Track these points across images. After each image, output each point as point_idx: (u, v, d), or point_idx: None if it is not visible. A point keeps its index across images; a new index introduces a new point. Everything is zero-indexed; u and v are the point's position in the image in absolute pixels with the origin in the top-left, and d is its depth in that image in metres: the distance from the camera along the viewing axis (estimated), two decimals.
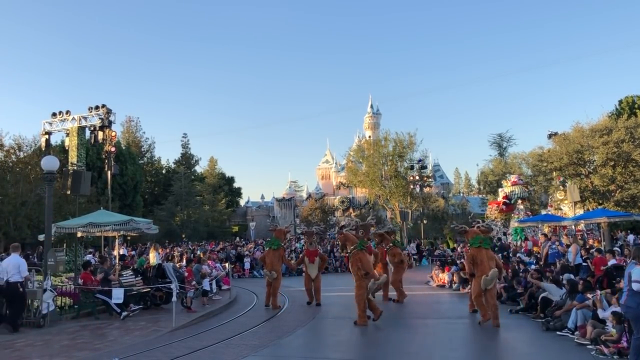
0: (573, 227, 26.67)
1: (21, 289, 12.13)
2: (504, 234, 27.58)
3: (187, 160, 67.82)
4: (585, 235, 24.66)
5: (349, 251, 12.34)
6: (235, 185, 74.51)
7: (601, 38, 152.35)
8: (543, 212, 34.65)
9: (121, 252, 23.25)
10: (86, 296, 14.16)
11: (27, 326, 12.24)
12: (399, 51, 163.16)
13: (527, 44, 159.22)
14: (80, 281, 14.52)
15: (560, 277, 13.63)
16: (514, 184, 29.25)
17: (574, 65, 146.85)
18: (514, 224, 28.56)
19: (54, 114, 21.37)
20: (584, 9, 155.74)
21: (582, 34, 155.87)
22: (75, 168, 19.70)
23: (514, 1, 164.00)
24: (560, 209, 34.82)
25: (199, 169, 70.35)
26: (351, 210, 67.19)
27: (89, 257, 22.53)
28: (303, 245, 32.13)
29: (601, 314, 9.62)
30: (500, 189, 33.84)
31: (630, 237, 24.99)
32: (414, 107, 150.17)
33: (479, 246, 11.92)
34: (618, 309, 9.13)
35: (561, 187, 32.27)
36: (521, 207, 28.23)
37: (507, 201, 28.55)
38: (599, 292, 10.51)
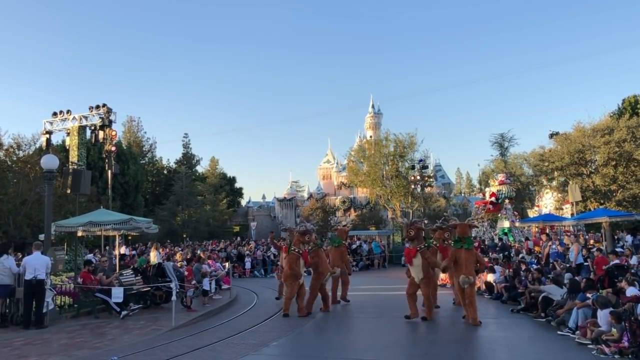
0: (562, 227, 26.61)
1: (46, 286, 12.35)
2: (505, 233, 27.42)
3: (188, 160, 67.82)
4: (573, 235, 24.56)
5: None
6: (237, 185, 74.53)
7: (603, 37, 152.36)
8: (529, 212, 34.60)
9: (122, 252, 23.26)
10: (86, 295, 14.14)
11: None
12: (400, 51, 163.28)
13: (529, 43, 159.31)
14: (79, 280, 14.50)
15: (562, 277, 13.64)
16: (501, 183, 29.00)
17: (575, 65, 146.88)
18: (501, 223, 28.28)
19: (55, 114, 21.43)
20: (586, 8, 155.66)
21: (584, 34, 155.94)
22: (76, 167, 19.72)
23: (515, 1, 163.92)
24: (562, 209, 34.80)
25: (200, 169, 70.44)
26: (352, 210, 67.15)
27: (89, 256, 22.54)
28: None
29: (604, 326, 9.41)
30: (487, 188, 33.71)
31: (629, 238, 24.86)
32: (415, 107, 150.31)
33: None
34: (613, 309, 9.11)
35: (548, 187, 32.18)
36: (508, 206, 27.92)
37: (495, 200, 28.23)
38: (590, 300, 10.45)
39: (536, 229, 28.55)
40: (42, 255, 12.60)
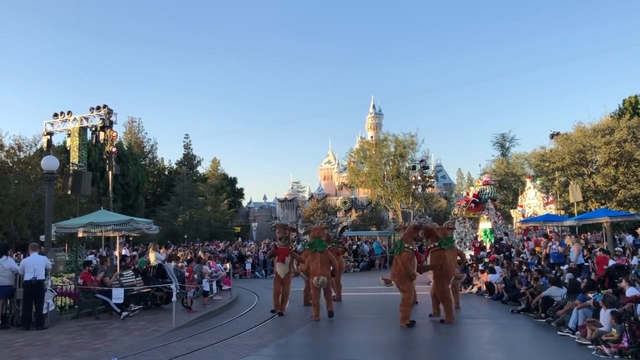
0: (545, 228, 26.66)
1: (46, 287, 12.37)
2: (505, 234, 27.37)
3: (189, 161, 67.82)
4: (560, 236, 24.53)
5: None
6: (238, 186, 74.54)
7: (604, 37, 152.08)
8: (512, 212, 34.65)
9: (123, 253, 23.24)
10: (86, 296, 14.15)
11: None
12: (402, 51, 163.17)
13: (530, 43, 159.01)
14: (80, 281, 14.52)
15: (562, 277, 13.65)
16: (486, 183, 28.97)
17: (576, 65, 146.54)
18: (483, 224, 28.15)
19: (56, 115, 21.47)
20: (588, 8, 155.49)
21: (585, 33, 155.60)
22: (76, 168, 19.75)
23: (515, 1, 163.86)
24: (564, 210, 34.77)
25: (201, 169, 70.43)
26: (353, 210, 67.16)
27: (90, 257, 22.55)
28: (304, 246, 32.15)
29: (606, 326, 9.37)
30: (471, 187, 33.70)
31: (629, 238, 24.85)
32: (416, 108, 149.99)
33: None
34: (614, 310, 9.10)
35: (531, 187, 32.17)
36: (491, 206, 27.83)
37: (477, 199, 28.06)
38: (592, 301, 10.44)
39: (519, 230, 28.63)
40: (40, 256, 12.59)
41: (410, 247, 11.95)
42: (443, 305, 12.27)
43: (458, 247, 24.10)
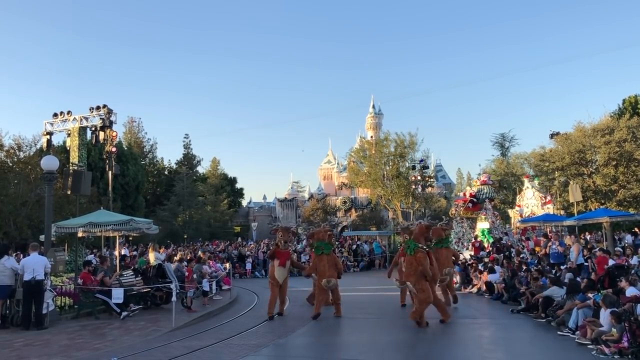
0: (545, 228, 26.68)
1: (45, 287, 12.36)
2: (505, 233, 27.38)
3: (189, 160, 67.81)
4: (559, 236, 24.51)
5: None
6: (238, 185, 74.55)
7: (604, 37, 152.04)
8: (509, 211, 34.61)
9: (122, 253, 23.25)
10: (86, 296, 14.15)
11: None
12: (402, 51, 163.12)
13: (530, 43, 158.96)
14: (80, 281, 14.51)
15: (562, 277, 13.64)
16: (483, 182, 29.04)
17: (576, 65, 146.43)
18: (481, 224, 28.18)
19: (55, 115, 21.49)
20: (588, 8, 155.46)
21: (585, 33, 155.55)
22: (76, 168, 19.75)
23: (515, 1, 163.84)
24: (565, 209, 34.78)
25: (201, 169, 70.43)
26: (353, 210, 67.17)
27: (90, 257, 22.55)
28: (304, 246, 32.20)
29: (606, 326, 9.36)
30: (467, 187, 33.76)
31: (629, 237, 24.85)
32: (416, 107, 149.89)
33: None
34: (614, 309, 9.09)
35: (529, 186, 32.19)
36: (489, 206, 27.88)
37: (474, 199, 28.08)
38: (592, 301, 10.45)
39: (517, 230, 28.66)
40: (40, 256, 12.60)
41: (424, 247, 11.99)
42: (435, 307, 12.26)
43: (455, 247, 24.15)
